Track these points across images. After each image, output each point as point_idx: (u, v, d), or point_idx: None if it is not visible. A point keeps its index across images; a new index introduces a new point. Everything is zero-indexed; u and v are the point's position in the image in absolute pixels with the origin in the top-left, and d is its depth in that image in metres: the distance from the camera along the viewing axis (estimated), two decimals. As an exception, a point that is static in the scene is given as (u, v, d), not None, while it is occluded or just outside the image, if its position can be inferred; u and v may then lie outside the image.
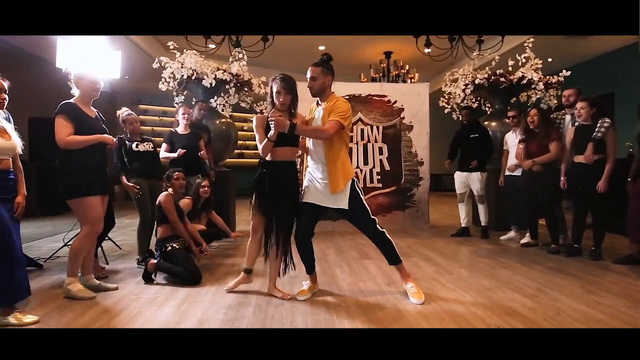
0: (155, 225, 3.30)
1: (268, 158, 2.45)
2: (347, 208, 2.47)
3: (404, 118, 5.32)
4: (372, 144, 5.28)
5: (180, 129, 3.98)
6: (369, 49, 9.40)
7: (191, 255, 3.11)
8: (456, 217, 5.19)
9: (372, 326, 2.10)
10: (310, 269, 2.65)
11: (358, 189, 2.51)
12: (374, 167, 5.28)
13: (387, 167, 5.29)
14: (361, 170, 5.27)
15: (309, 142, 2.60)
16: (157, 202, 3.20)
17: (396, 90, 5.39)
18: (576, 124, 3.69)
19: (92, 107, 2.64)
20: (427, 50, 5.58)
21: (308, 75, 2.52)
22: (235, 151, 11.71)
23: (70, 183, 2.43)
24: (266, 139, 2.37)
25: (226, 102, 5.13)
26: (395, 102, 5.33)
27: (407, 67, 9.38)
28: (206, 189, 3.70)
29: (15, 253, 2.08)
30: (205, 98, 4.81)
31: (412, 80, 9.04)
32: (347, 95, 5.27)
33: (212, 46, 4.87)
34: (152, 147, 3.66)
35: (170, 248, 2.97)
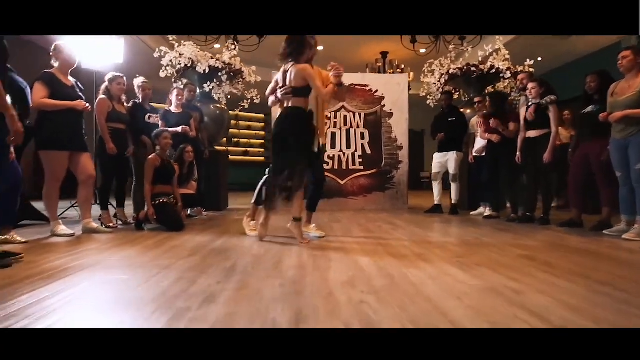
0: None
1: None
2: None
3: (384, 106, 5.73)
4: (355, 130, 5.70)
5: (174, 108, 4.47)
6: (365, 49, 9.87)
7: (176, 209, 3.56)
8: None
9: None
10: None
11: None
12: (356, 150, 5.69)
13: (369, 151, 5.69)
14: (344, 154, 5.68)
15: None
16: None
17: (377, 80, 5.82)
18: (529, 104, 4.05)
19: (69, 77, 3.09)
20: (420, 49, 6.02)
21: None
22: (240, 149, 12.35)
23: (40, 137, 2.86)
24: (332, 85, 2.85)
25: (222, 91, 5.63)
26: (377, 91, 5.75)
27: (403, 66, 9.81)
28: (190, 153, 4.14)
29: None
30: (200, 84, 5.31)
31: (409, 79, 9.44)
32: (332, 85, 5.72)
33: (217, 46, 5.35)
34: (158, 120, 4.16)
35: (157, 202, 3.42)
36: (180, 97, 4.48)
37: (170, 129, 4.33)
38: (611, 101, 3.18)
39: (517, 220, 4.03)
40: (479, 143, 4.65)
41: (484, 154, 4.56)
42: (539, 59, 9.03)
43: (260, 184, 3.16)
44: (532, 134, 3.92)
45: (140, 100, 4.01)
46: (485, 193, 4.70)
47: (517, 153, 4.06)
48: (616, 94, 3.17)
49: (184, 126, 4.33)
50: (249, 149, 12.83)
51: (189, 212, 4.34)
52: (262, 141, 13.11)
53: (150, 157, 3.60)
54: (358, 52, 10.00)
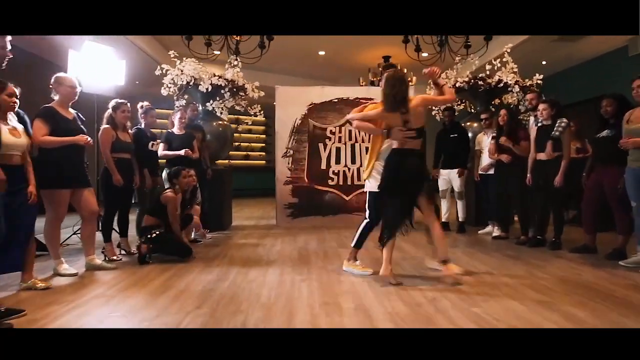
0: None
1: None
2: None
3: (389, 119, 5.63)
4: (360, 144, 5.62)
5: (176, 130, 4.39)
6: (368, 53, 9.72)
7: (174, 235, 3.52)
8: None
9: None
10: None
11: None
12: (361, 165, 5.60)
13: (374, 166, 5.60)
14: (349, 169, 5.61)
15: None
16: (161, 198, 3.55)
17: (382, 94, 5.71)
18: (539, 124, 3.96)
19: (70, 109, 3.00)
20: (424, 55, 5.90)
21: None
22: (241, 153, 12.23)
23: (42, 175, 2.71)
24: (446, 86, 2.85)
25: (224, 105, 5.55)
26: (382, 104, 5.65)
27: (405, 70, 9.69)
28: (193, 177, 4.07)
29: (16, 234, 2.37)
30: (203, 102, 5.23)
31: (410, 84, 9.32)
32: (336, 99, 5.64)
33: (217, 52, 5.22)
34: (158, 147, 4.09)
35: (155, 234, 3.36)
36: (183, 119, 4.40)
37: (171, 153, 4.27)
38: (627, 128, 3.08)
39: (527, 244, 3.96)
40: (485, 160, 4.56)
41: (490, 172, 4.48)
42: (544, 62, 8.94)
43: (363, 228, 3.02)
44: (542, 156, 3.83)
45: (143, 126, 3.92)
46: (492, 211, 4.63)
47: (528, 174, 3.98)
48: (631, 122, 3.09)
49: (186, 149, 4.25)
50: (249, 153, 12.70)
51: (192, 235, 4.28)
52: (263, 144, 12.98)
53: (168, 196, 3.53)
54: (360, 56, 9.85)
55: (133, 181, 3.60)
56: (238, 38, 5.41)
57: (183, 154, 4.23)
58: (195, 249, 3.83)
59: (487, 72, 5.25)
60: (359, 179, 5.60)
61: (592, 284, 2.65)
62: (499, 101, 5.49)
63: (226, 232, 5.06)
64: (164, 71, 4.86)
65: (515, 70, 5.19)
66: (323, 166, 5.59)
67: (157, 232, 3.38)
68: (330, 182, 5.59)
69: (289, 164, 5.58)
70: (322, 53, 9.72)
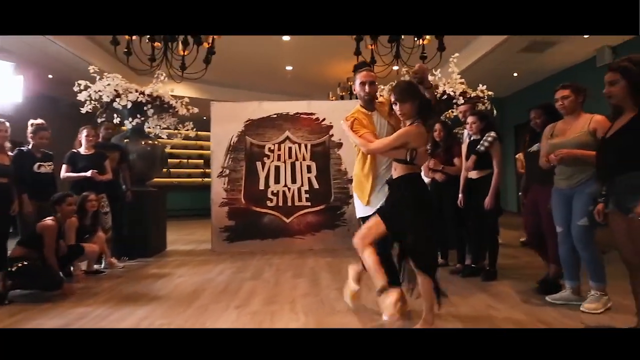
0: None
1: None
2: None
3: (332, 135, 5.27)
4: (300, 162, 5.24)
5: (83, 150, 4.04)
6: (336, 67, 9.44)
7: (45, 264, 3.10)
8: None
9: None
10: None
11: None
12: (302, 185, 5.22)
13: (316, 186, 5.21)
14: (289, 189, 5.21)
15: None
16: (37, 227, 3.17)
17: (325, 108, 5.37)
18: (471, 138, 3.58)
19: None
20: (376, 69, 5.58)
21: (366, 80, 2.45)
22: (186, 170, 11.66)
23: None
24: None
25: (157, 124, 5.23)
26: (324, 119, 5.30)
27: (382, 85, 9.39)
28: (92, 202, 3.70)
29: None
30: (130, 119, 4.89)
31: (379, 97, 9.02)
32: (275, 114, 5.29)
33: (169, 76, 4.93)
34: (52, 169, 3.73)
35: (18, 266, 2.95)
36: (90, 138, 4.06)
37: (74, 175, 3.92)
38: (554, 143, 2.65)
39: (461, 274, 3.53)
40: (424, 179, 4.16)
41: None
42: (515, 74, 8.62)
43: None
44: (473, 174, 3.44)
45: (30, 147, 3.57)
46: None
47: (460, 195, 3.57)
48: (555, 136, 2.68)
49: (93, 170, 3.89)
50: (192, 171, 11.91)
51: (94, 267, 3.88)
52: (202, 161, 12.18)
53: (46, 224, 3.15)
54: (329, 71, 9.60)
55: (10, 208, 3.23)
56: (184, 53, 5.12)
57: (89, 176, 3.88)
58: (84, 283, 3.44)
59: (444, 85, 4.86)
60: (299, 199, 5.21)
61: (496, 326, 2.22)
62: (446, 114, 5.12)
63: (150, 259, 4.65)
64: (81, 87, 4.54)
65: (462, 81, 4.83)
66: (261, 186, 5.20)
67: (21, 264, 2.97)
68: (269, 204, 5.19)
69: (224, 184, 5.20)
70: (289, 68, 9.47)
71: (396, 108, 2.23)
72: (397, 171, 2.23)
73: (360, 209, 2.52)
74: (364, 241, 2.23)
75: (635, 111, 1.99)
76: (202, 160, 11.94)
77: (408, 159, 2.16)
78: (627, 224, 1.94)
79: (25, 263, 2.97)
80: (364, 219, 2.46)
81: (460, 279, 3.42)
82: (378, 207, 2.34)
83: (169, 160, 11.12)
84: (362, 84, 2.45)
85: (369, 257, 2.19)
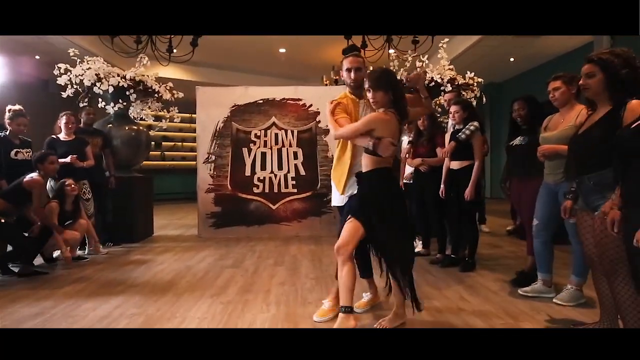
0: None
1: None
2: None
3: (319, 122, 5.21)
4: (287, 149, 5.20)
5: (62, 136, 4.00)
6: (331, 50, 9.26)
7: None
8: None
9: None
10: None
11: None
12: (288, 172, 5.19)
13: (303, 172, 5.19)
14: (275, 176, 5.19)
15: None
16: (24, 183, 3.13)
17: (312, 94, 5.29)
18: (454, 127, 3.53)
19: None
20: (368, 56, 5.45)
21: (352, 66, 2.31)
22: (180, 153, 11.51)
23: None
24: None
25: (147, 107, 5.16)
26: (311, 105, 5.23)
27: (371, 67, 9.24)
28: (72, 186, 3.67)
29: None
30: (112, 104, 4.82)
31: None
32: (261, 100, 5.22)
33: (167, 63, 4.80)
34: (30, 155, 3.70)
35: None
36: (70, 125, 4.01)
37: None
38: (544, 137, 2.59)
39: (440, 264, 3.53)
40: (408, 169, 4.11)
41: (411, 181, 4.04)
42: (512, 59, 8.46)
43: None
44: (454, 165, 3.40)
45: (7, 133, 3.53)
46: (416, 224, 4.19)
47: (441, 185, 3.54)
48: (549, 129, 2.62)
49: (72, 156, 3.86)
50: (186, 154, 11.54)
51: (77, 253, 3.88)
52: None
53: (32, 178, 3.12)
54: (323, 54, 9.43)
55: None
56: (170, 36, 5.01)
57: (69, 161, 3.85)
58: (63, 270, 3.46)
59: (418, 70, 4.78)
60: (286, 186, 5.19)
61: (464, 320, 2.23)
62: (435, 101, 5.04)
63: (136, 244, 4.66)
64: (61, 71, 4.46)
65: (451, 67, 4.73)
66: (247, 172, 5.17)
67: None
68: (255, 190, 5.17)
69: (210, 170, 5.18)
70: (282, 50, 9.31)
71: (369, 95, 2.13)
72: (366, 164, 2.17)
73: (336, 197, 2.45)
74: (347, 248, 2.09)
75: (609, 107, 1.94)
76: (196, 144, 11.83)
77: (370, 148, 2.05)
78: (592, 221, 1.92)
79: (7, 220, 2.92)
80: (340, 208, 2.43)
81: (439, 269, 3.43)
82: (347, 201, 2.31)
83: (163, 143, 11.30)
84: (348, 70, 2.31)
85: (348, 274, 2.07)
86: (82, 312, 2.47)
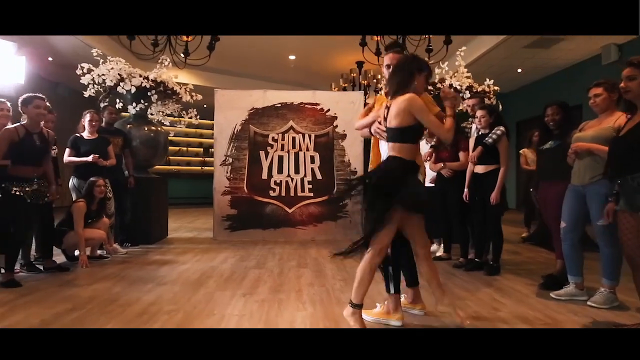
0: None
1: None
2: None
3: (337, 126, 5.25)
4: (304, 153, 5.22)
5: (86, 134, 4.00)
6: (340, 59, 9.38)
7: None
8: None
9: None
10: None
11: None
12: (305, 176, 5.21)
13: (319, 176, 5.21)
14: (292, 179, 5.20)
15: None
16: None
17: (329, 99, 5.34)
18: (479, 133, 3.57)
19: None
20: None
21: (391, 63, 2.26)
22: (185, 158, 11.59)
23: None
24: (449, 118, 2.16)
25: (160, 110, 5.17)
26: (329, 110, 5.27)
27: (379, 76, 9.33)
28: (101, 187, 3.67)
29: None
30: (134, 104, 4.84)
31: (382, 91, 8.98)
32: (279, 103, 5.26)
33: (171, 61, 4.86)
34: (55, 152, 3.69)
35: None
36: (94, 122, 4.02)
37: (77, 159, 3.89)
38: (578, 136, 2.60)
39: (464, 267, 3.55)
40: (430, 174, 4.14)
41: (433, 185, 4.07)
42: (519, 70, 8.59)
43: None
44: (479, 169, 3.44)
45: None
46: (436, 228, 4.21)
47: (465, 189, 3.57)
48: (583, 131, 2.65)
49: (94, 155, 3.86)
50: (206, 159, 11.75)
51: (97, 252, 3.86)
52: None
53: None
54: (332, 61, 9.52)
55: None
56: (187, 39, 5.06)
57: (91, 160, 3.85)
58: (89, 268, 3.44)
59: (437, 77, 4.86)
60: (302, 190, 5.20)
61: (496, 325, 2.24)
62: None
63: (152, 246, 4.64)
64: (84, 70, 4.48)
65: (469, 75, 4.80)
66: (264, 176, 5.19)
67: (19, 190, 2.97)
68: (271, 193, 5.18)
69: (227, 172, 5.18)
70: (292, 57, 9.38)
71: (386, 72, 2.24)
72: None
73: None
74: (381, 252, 2.10)
75: None
76: (201, 149, 11.92)
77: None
78: (635, 222, 1.95)
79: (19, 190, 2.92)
80: None
81: (464, 273, 3.44)
82: None
83: (169, 148, 11.30)
84: (387, 67, 2.27)
85: (371, 267, 2.11)
86: (118, 307, 2.46)
